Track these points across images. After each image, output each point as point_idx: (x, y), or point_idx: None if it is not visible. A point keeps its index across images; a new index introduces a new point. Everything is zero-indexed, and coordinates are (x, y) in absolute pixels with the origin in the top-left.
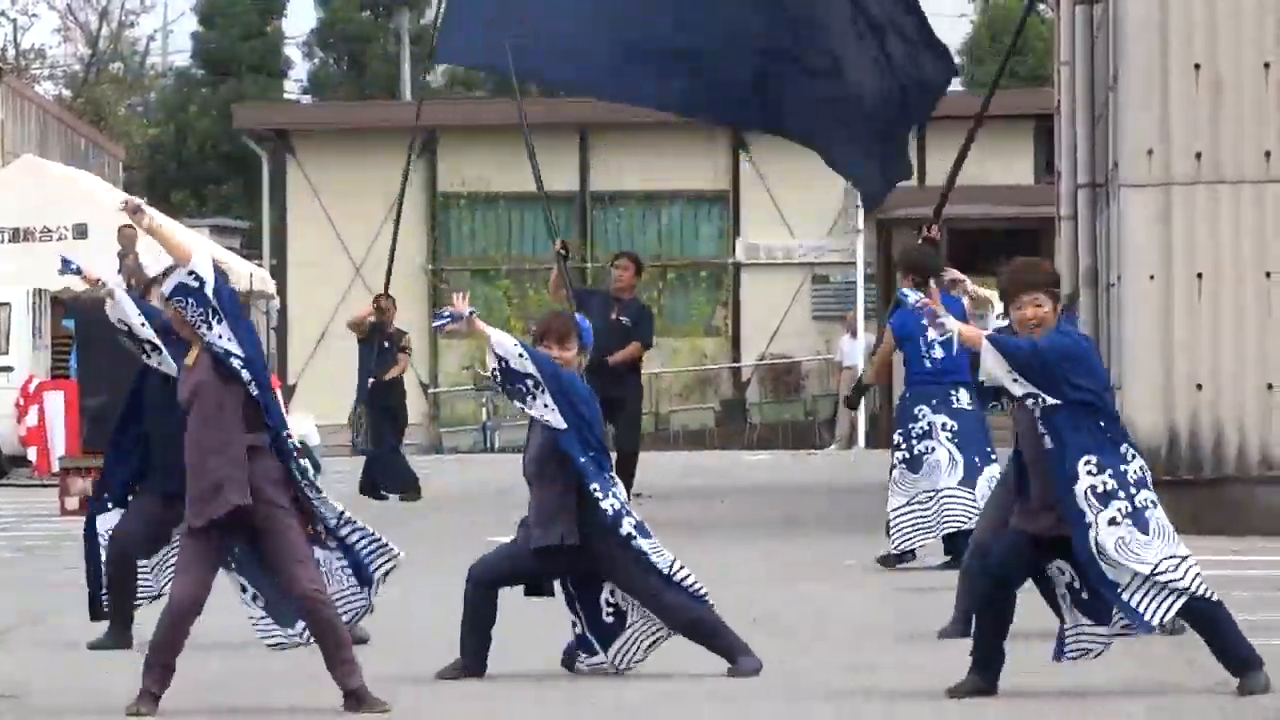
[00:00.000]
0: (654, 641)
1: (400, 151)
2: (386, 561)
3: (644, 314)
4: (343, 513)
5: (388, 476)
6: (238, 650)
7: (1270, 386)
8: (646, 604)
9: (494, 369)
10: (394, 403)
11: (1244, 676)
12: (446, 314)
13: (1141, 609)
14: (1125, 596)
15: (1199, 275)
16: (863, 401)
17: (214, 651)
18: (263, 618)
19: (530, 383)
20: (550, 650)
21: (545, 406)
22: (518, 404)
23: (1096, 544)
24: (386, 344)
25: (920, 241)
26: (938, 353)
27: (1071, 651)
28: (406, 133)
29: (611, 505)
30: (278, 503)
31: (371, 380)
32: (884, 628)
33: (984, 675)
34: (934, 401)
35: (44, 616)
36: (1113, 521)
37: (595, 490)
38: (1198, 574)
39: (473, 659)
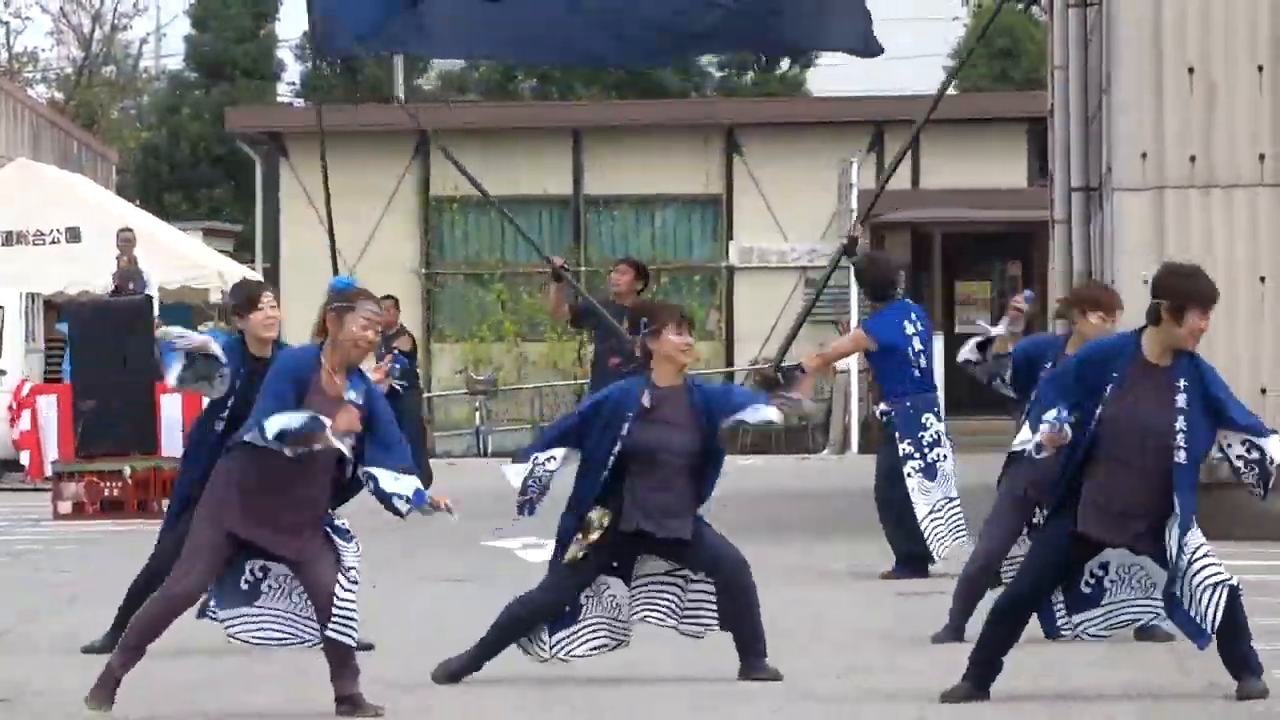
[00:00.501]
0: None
1: (395, 155)
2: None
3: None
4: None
5: None
6: (228, 652)
7: (1264, 391)
8: (724, 569)
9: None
10: (402, 406)
11: (1243, 680)
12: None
13: (1199, 618)
14: (1186, 607)
15: None
16: (854, 404)
17: (195, 656)
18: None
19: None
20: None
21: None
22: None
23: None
24: (383, 348)
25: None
26: (924, 362)
27: (1065, 630)
28: (400, 136)
29: None
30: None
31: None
32: (880, 631)
33: (979, 682)
34: (935, 410)
35: (38, 619)
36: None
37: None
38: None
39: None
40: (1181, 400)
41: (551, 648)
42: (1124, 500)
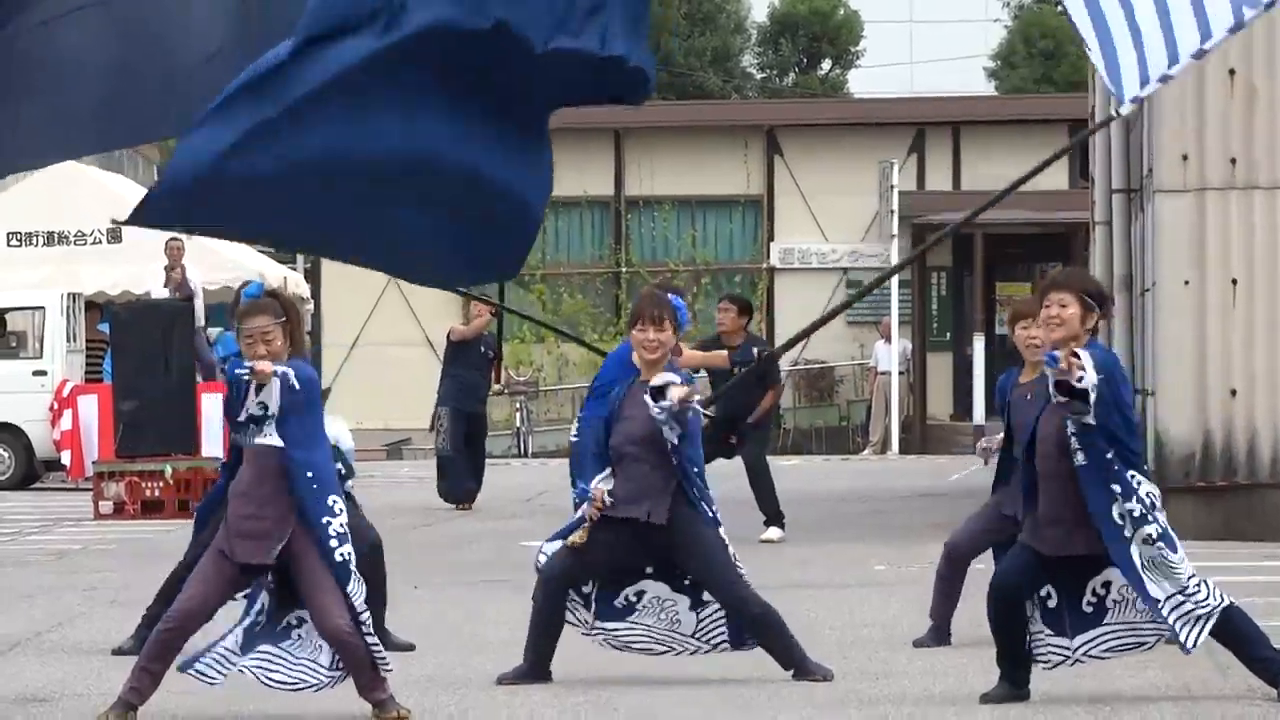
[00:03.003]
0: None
1: None
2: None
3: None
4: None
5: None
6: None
7: None
8: (721, 592)
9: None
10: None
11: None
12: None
13: (1178, 629)
14: (1165, 612)
15: (1234, 280)
16: (895, 406)
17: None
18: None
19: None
20: (572, 657)
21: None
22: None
23: (1139, 558)
24: (483, 349)
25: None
26: None
27: (1041, 657)
28: None
29: (704, 491)
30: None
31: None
32: (915, 634)
33: (1016, 682)
34: None
35: (78, 620)
36: (1148, 540)
37: (696, 473)
38: (1216, 588)
39: (538, 663)
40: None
41: (593, 626)
42: (1046, 508)
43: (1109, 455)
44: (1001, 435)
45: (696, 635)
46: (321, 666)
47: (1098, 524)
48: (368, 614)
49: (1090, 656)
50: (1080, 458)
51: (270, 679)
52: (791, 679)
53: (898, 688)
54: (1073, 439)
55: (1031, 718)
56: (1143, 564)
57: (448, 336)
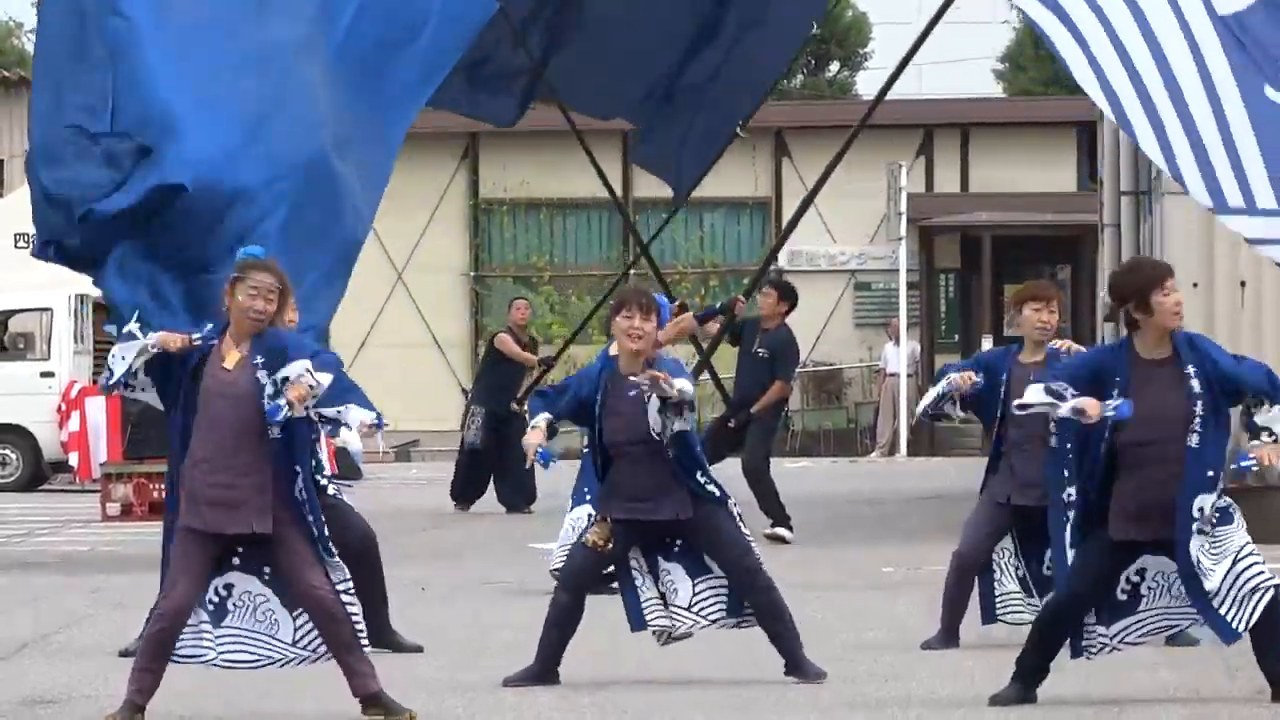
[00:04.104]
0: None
1: (444, 158)
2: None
3: (785, 346)
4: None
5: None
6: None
7: None
8: (739, 576)
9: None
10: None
11: None
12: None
13: (1231, 617)
14: (1216, 604)
15: (1242, 283)
16: (903, 408)
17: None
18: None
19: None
20: (579, 658)
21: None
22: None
23: (1198, 552)
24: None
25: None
26: None
27: (1089, 648)
28: (449, 139)
29: (706, 469)
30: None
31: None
32: (923, 636)
33: (1027, 686)
34: None
35: (85, 622)
36: (1200, 531)
37: (698, 452)
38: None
39: (549, 665)
40: (1196, 386)
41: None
42: (1155, 498)
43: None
44: (969, 374)
45: (692, 608)
46: (281, 642)
47: (1180, 511)
48: (347, 583)
49: (1126, 644)
50: (1194, 440)
51: (233, 660)
52: (784, 673)
53: (905, 690)
54: (1196, 420)
55: (1040, 719)
56: (1198, 558)
57: (490, 341)
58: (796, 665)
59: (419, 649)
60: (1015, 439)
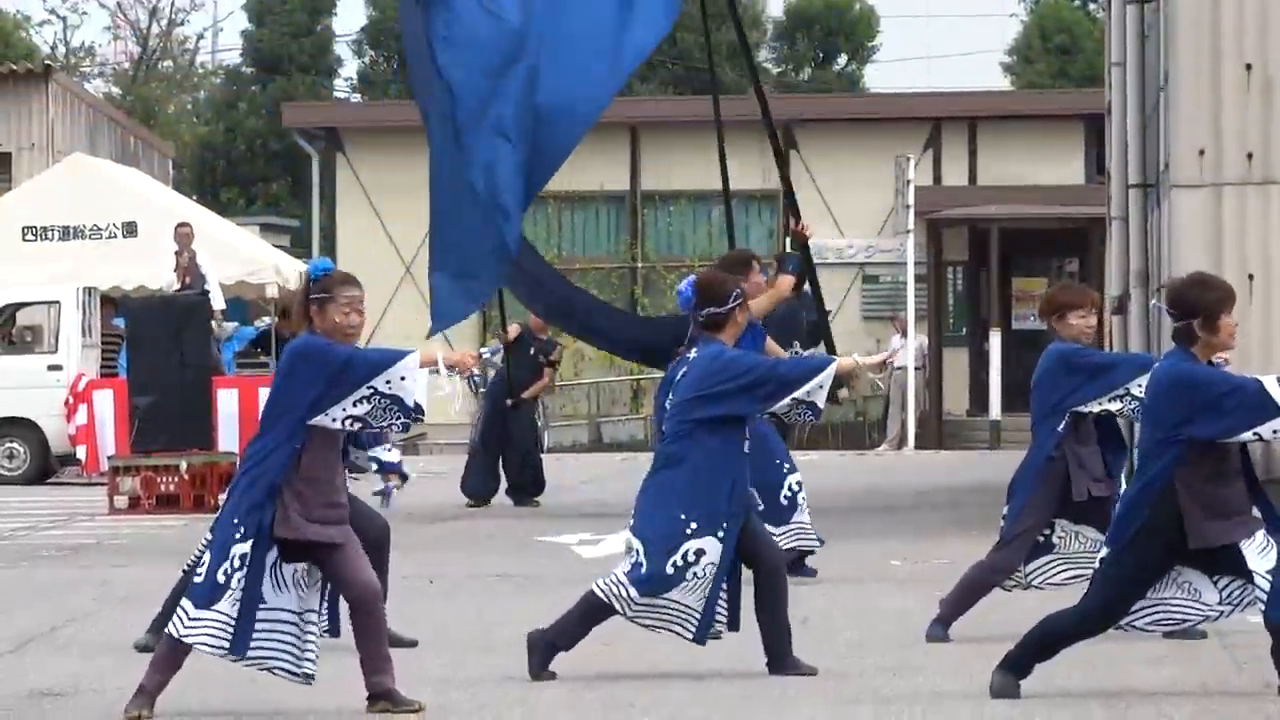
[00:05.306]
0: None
1: None
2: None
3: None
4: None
5: (530, 479)
6: None
7: None
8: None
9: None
10: (532, 410)
11: None
12: None
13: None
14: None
15: (1250, 276)
16: (911, 401)
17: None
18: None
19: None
20: (586, 653)
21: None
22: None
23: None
24: (533, 350)
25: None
26: None
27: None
28: None
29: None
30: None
31: (514, 390)
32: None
33: (1020, 674)
34: None
35: (92, 616)
36: None
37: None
38: None
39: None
40: None
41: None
42: (1238, 502)
43: None
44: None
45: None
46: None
47: (1262, 508)
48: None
49: (1134, 629)
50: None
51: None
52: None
53: (912, 684)
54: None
55: (1048, 712)
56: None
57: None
58: (782, 665)
59: (413, 643)
60: (1081, 435)
